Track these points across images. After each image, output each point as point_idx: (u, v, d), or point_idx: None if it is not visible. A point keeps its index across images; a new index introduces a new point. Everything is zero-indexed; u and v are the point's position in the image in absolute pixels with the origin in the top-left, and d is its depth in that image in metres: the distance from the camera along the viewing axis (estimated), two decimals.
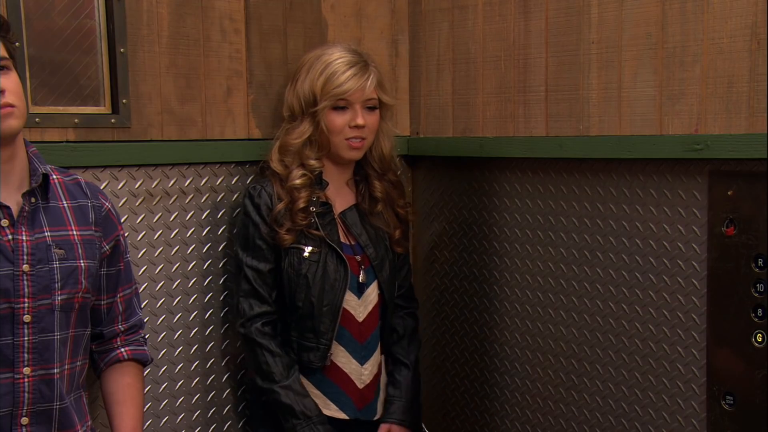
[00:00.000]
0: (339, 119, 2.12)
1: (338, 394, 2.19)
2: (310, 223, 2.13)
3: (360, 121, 2.12)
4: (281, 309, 2.18)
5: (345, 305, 2.16)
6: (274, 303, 2.16)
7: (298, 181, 2.13)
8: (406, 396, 2.29)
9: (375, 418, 2.26)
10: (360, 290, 2.20)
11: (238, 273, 2.18)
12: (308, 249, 2.13)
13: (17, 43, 1.83)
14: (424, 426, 2.50)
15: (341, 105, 2.12)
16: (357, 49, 2.21)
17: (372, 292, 2.23)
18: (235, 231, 2.26)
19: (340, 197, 2.23)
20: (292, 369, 2.15)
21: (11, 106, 1.61)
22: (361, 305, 2.20)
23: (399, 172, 2.37)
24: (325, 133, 2.13)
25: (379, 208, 2.26)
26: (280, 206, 2.11)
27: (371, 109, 2.16)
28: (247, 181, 2.29)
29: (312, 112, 2.13)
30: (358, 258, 2.20)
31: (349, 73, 2.10)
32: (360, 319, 2.20)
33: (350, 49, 2.17)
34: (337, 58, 2.12)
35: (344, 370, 2.19)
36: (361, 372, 2.21)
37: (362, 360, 2.21)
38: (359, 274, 2.19)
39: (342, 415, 2.20)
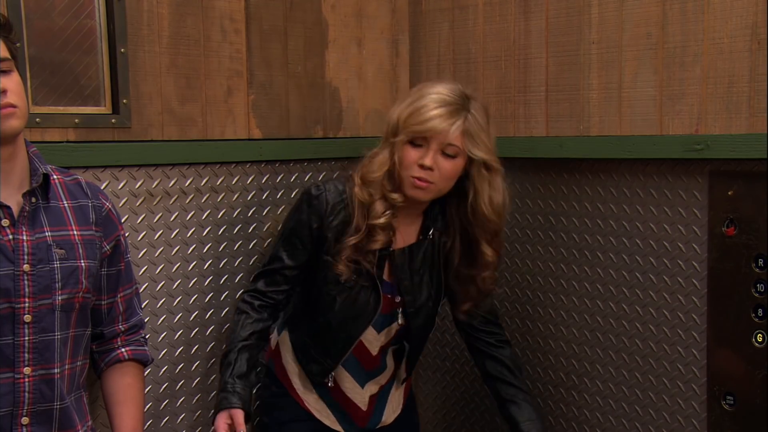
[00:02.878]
0: (412, 155, 1.96)
1: (342, 414, 2.18)
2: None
3: (427, 161, 1.94)
4: (298, 304, 2.16)
5: (362, 338, 2.10)
6: (280, 294, 2.11)
7: (382, 220, 1.99)
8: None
9: (379, 425, 2.23)
10: (382, 326, 2.12)
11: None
12: (346, 274, 2.03)
13: (18, 44, 1.82)
14: None
15: (418, 142, 1.96)
16: (468, 92, 2.00)
17: (395, 329, 2.13)
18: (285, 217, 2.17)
19: (400, 234, 2.08)
20: (254, 337, 2.07)
21: (13, 106, 1.61)
22: (377, 340, 2.13)
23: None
24: (397, 165, 1.99)
25: (473, 273, 2.09)
26: (353, 240, 1.99)
27: (449, 156, 1.96)
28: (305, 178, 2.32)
29: (391, 142, 2.00)
30: (397, 300, 2.10)
31: (436, 111, 1.93)
32: (374, 353, 2.15)
33: (456, 90, 1.98)
34: (433, 93, 1.97)
35: (348, 395, 2.16)
36: (364, 395, 2.18)
37: (363, 383, 2.18)
38: (389, 312, 2.09)
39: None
